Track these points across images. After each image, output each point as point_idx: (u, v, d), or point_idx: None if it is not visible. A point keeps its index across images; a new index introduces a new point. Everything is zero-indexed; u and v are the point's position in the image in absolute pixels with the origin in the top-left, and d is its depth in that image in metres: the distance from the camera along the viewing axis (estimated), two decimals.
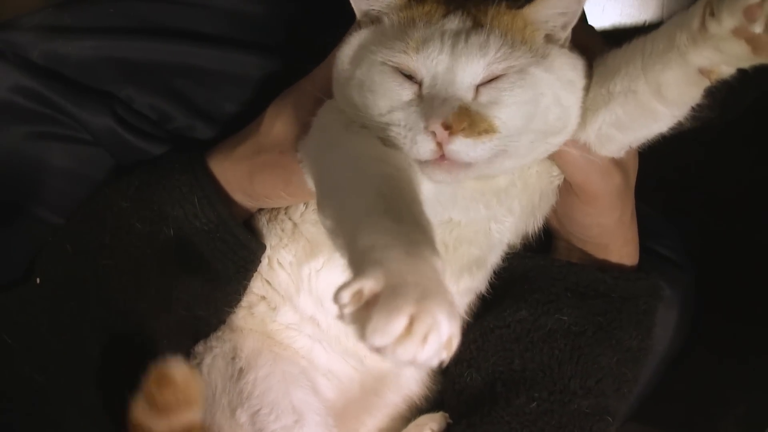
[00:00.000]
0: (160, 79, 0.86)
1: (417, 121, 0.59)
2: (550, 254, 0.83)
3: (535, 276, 0.80)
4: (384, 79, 0.63)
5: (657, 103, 0.62)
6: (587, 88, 0.66)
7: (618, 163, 0.71)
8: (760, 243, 1.01)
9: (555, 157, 0.70)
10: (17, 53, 0.83)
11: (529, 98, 0.61)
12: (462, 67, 0.60)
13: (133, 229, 0.77)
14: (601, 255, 0.79)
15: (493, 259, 0.79)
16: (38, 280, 0.80)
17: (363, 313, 0.43)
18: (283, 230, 0.81)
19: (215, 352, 0.83)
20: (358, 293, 0.43)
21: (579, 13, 0.65)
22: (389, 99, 0.62)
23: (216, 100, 0.88)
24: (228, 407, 0.79)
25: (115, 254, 0.77)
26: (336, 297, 0.43)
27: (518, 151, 0.63)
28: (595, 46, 0.68)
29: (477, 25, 0.63)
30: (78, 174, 0.85)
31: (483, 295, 0.82)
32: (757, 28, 0.51)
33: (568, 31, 0.66)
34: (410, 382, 0.88)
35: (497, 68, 0.61)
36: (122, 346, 0.79)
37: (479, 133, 0.59)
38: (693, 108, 0.63)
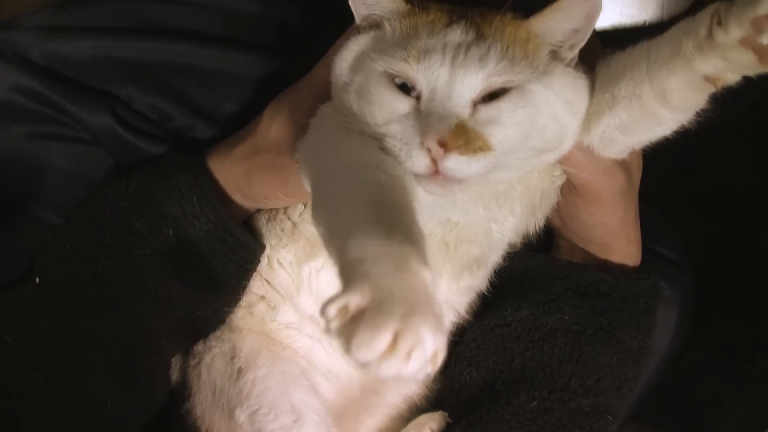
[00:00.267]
0: (159, 78, 0.86)
1: (413, 136, 0.59)
2: (551, 253, 0.83)
3: (536, 275, 0.80)
4: (382, 89, 0.63)
5: (661, 108, 0.62)
6: (588, 109, 0.66)
7: (622, 164, 0.71)
8: (760, 243, 1.01)
9: (558, 159, 0.70)
10: (17, 53, 0.83)
11: (528, 118, 0.61)
12: (460, 80, 0.60)
13: (133, 228, 0.77)
14: (603, 255, 0.79)
15: (494, 258, 0.79)
16: (37, 280, 0.80)
17: (349, 328, 0.43)
18: (282, 230, 0.81)
19: (214, 351, 0.83)
20: (344, 308, 0.43)
21: (588, 34, 0.64)
22: (387, 110, 0.62)
23: (216, 100, 0.88)
24: (227, 407, 0.79)
25: (115, 253, 0.77)
26: (323, 311, 0.44)
27: (512, 165, 0.63)
28: (593, 51, 0.68)
29: (479, 36, 0.62)
30: (78, 174, 0.85)
31: (484, 294, 0.82)
32: (765, 40, 0.51)
33: (575, 52, 0.65)
34: (410, 381, 0.88)
35: (496, 81, 0.61)
36: (122, 345, 0.79)
37: (474, 151, 0.59)
38: (697, 113, 0.63)
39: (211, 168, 0.79)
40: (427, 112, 0.60)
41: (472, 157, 0.59)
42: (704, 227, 1.08)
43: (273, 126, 0.75)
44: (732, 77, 0.57)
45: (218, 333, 0.84)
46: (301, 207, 0.80)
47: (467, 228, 0.74)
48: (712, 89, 0.59)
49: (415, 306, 0.43)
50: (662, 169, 0.77)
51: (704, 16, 0.55)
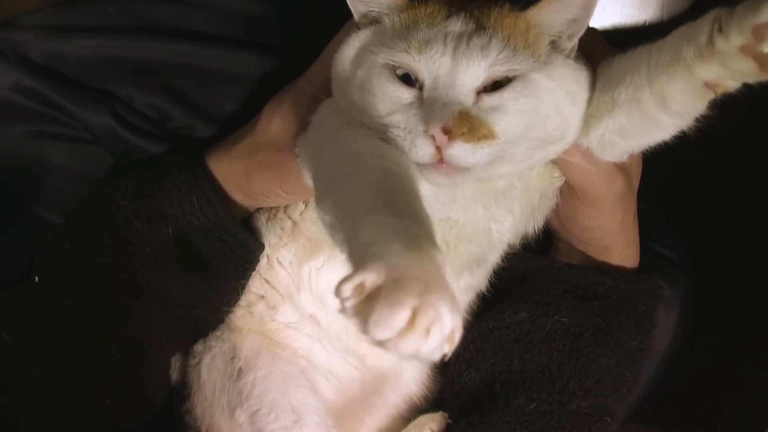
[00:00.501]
0: (160, 78, 0.86)
1: (417, 125, 0.59)
2: (550, 255, 0.83)
3: (535, 277, 0.80)
4: (384, 81, 0.62)
5: (661, 113, 0.62)
6: (590, 101, 0.66)
7: (621, 167, 0.71)
8: (760, 243, 1.01)
9: (557, 161, 0.70)
10: (17, 52, 0.83)
11: (532, 107, 0.61)
12: (463, 69, 0.60)
13: (132, 227, 0.77)
14: (602, 257, 0.79)
15: (494, 257, 0.79)
16: (37, 279, 0.80)
17: (365, 307, 0.42)
18: (282, 229, 0.81)
19: (214, 351, 0.83)
20: (360, 286, 0.43)
21: (586, 23, 0.64)
22: (390, 101, 0.62)
23: (216, 100, 0.88)
24: (227, 407, 0.80)
25: (114, 253, 0.77)
26: (337, 290, 0.43)
27: (515, 157, 0.63)
28: (600, 51, 0.68)
29: (480, 27, 0.62)
30: (78, 173, 0.85)
31: (483, 294, 0.82)
32: (766, 48, 0.51)
33: (575, 42, 0.65)
34: (410, 382, 0.88)
35: (499, 70, 0.61)
36: (121, 344, 0.79)
37: (478, 139, 0.59)
38: (696, 118, 0.63)
39: (210, 167, 0.79)
40: (431, 101, 0.60)
41: (476, 145, 0.59)
42: (704, 227, 1.08)
43: (272, 124, 0.75)
44: (732, 84, 0.57)
45: (218, 333, 0.85)
46: (301, 206, 0.80)
47: (467, 226, 0.74)
48: (712, 95, 0.59)
49: (431, 284, 0.43)
50: (662, 168, 0.77)
51: (705, 23, 0.55)
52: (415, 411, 0.88)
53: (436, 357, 0.43)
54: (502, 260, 0.80)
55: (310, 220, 0.79)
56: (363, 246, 0.47)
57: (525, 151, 0.63)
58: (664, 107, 0.61)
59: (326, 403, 0.82)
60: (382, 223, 0.49)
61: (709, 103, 0.60)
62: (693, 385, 0.99)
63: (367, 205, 0.51)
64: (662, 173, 0.80)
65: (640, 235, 0.80)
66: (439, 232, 0.74)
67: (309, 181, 0.69)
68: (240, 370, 0.80)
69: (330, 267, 0.79)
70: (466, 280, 0.78)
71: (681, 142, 0.66)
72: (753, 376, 0.95)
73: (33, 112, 0.82)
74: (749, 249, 1.03)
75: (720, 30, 0.53)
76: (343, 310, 0.43)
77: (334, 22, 0.71)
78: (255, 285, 0.83)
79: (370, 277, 0.43)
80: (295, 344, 0.84)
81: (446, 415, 0.82)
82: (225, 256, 0.78)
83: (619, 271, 0.79)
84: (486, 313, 0.81)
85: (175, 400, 0.86)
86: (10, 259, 0.83)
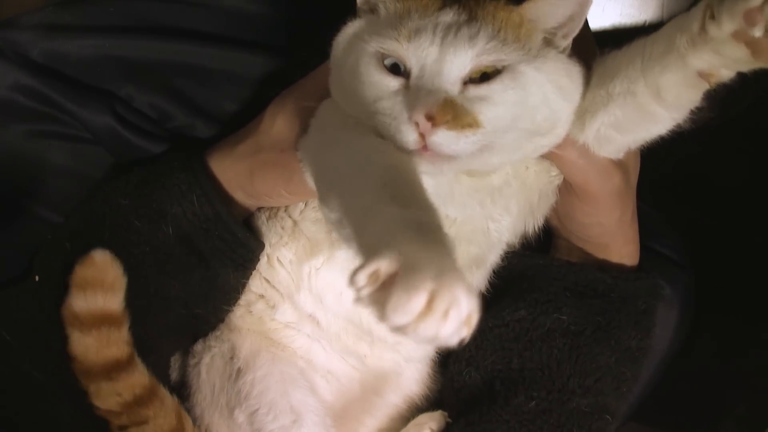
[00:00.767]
0: (160, 77, 0.86)
1: (401, 111, 0.59)
2: (549, 253, 0.83)
3: (534, 275, 0.80)
4: (372, 69, 0.63)
5: (656, 105, 0.62)
6: (582, 96, 0.66)
7: (618, 164, 0.71)
8: (759, 242, 1.01)
9: (553, 158, 0.70)
10: (17, 51, 0.83)
11: (519, 99, 0.61)
12: (450, 58, 0.60)
13: (132, 226, 0.77)
14: (601, 255, 0.79)
15: (493, 258, 0.79)
16: (37, 278, 0.80)
17: (381, 294, 0.43)
18: (283, 228, 0.81)
19: (214, 351, 0.83)
20: (375, 274, 0.43)
21: (581, 23, 0.64)
22: (377, 88, 0.62)
23: (216, 99, 0.88)
24: (226, 407, 0.80)
25: (114, 252, 0.77)
26: (352, 279, 0.43)
27: (504, 147, 0.63)
28: (589, 49, 0.68)
29: (471, 18, 0.62)
30: (78, 172, 0.85)
31: (483, 294, 0.82)
32: (757, 32, 0.51)
33: (569, 41, 0.65)
34: (410, 382, 0.88)
35: (486, 59, 0.61)
36: None
37: (462, 127, 0.59)
38: (692, 111, 0.63)
39: (211, 167, 0.79)
40: (416, 88, 0.60)
41: (460, 133, 0.58)
42: (703, 226, 1.08)
43: (275, 124, 0.75)
44: (726, 73, 0.57)
45: (218, 333, 0.84)
46: (301, 205, 0.80)
47: (465, 226, 0.74)
48: (706, 86, 0.59)
49: (445, 268, 0.43)
50: (660, 167, 0.77)
51: (697, 11, 0.55)
52: (415, 410, 0.87)
53: (455, 341, 0.43)
54: (502, 259, 0.80)
55: (311, 220, 0.79)
56: (373, 237, 0.47)
57: (513, 142, 0.63)
58: (659, 99, 0.61)
59: (325, 403, 0.82)
60: (389, 214, 0.49)
61: (705, 96, 0.60)
62: (693, 385, 0.99)
63: (373, 198, 0.51)
64: (661, 172, 0.80)
65: (640, 235, 0.80)
66: None
67: (311, 182, 0.69)
68: (239, 370, 0.80)
69: (330, 267, 0.79)
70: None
71: (680, 141, 0.66)
72: (753, 376, 0.95)
73: (33, 111, 0.83)
74: (749, 248, 1.03)
75: (712, 17, 0.53)
76: (358, 300, 0.43)
77: (336, 21, 0.71)
78: (255, 284, 0.83)
79: (385, 265, 0.43)
80: (294, 344, 0.84)
81: (446, 413, 0.82)
82: (225, 255, 0.78)
83: (619, 269, 0.79)
84: (486, 312, 0.81)
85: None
86: (10, 259, 0.83)
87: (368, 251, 0.46)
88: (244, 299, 0.84)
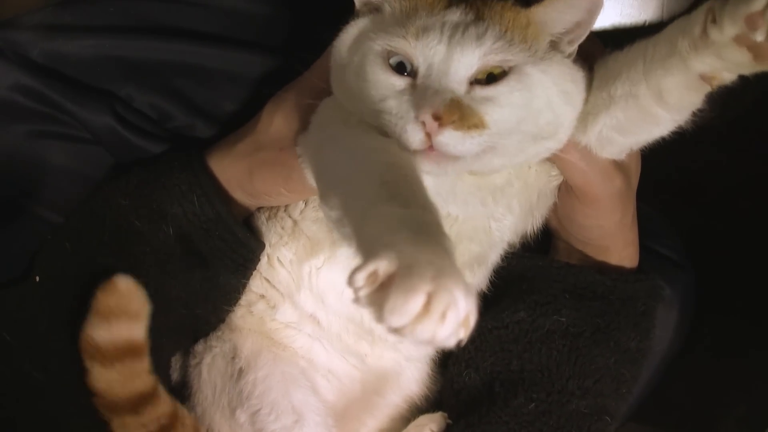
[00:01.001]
0: (160, 78, 0.86)
1: (408, 110, 0.59)
2: (549, 255, 0.83)
3: (534, 277, 0.80)
4: (378, 68, 0.63)
5: (658, 107, 0.62)
6: (585, 102, 0.66)
7: (619, 166, 0.71)
8: (760, 242, 1.01)
9: (555, 159, 0.70)
10: (17, 52, 0.83)
11: (525, 101, 0.61)
12: (457, 58, 0.60)
13: (132, 227, 0.77)
14: (601, 257, 0.79)
15: (494, 256, 0.79)
16: (37, 278, 0.80)
17: (379, 295, 0.43)
18: (283, 228, 0.81)
19: (215, 351, 0.83)
20: (373, 274, 0.43)
21: (588, 29, 0.64)
22: (382, 87, 0.62)
23: (216, 99, 0.88)
24: (228, 407, 0.80)
25: (114, 252, 0.77)
26: (350, 280, 0.43)
27: (507, 149, 0.63)
28: (596, 51, 0.68)
29: (478, 18, 0.63)
30: (78, 172, 0.85)
31: (483, 294, 0.82)
32: (759, 37, 0.51)
33: (574, 48, 0.65)
34: (411, 382, 0.88)
35: (493, 59, 0.61)
36: None
37: (468, 128, 0.59)
38: (694, 113, 0.63)
39: (211, 166, 0.79)
40: (423, 88, 0.60)
41: (466, 134, 0.59)
42: (703, 227, 1.08)
43: (274, 122, 0.75)
44: (727, 76, 0.57)
45: (219, 333, 0.84)
46: (301, 205, 0.80)
47: (467, 224, 0.74)
48: (708, 89, 0.59)
49: (443, 269, 0.43)
50: (661, 168, 0.77)
51: (699, 14, 0.55)
52: (416, 411, 0.88)
53: (452, 342, 0.43)
54: (502, 260, 0.80)
55: (311, 219, 0.79)
56: (372, 237, 0.47)
57: (516, 145, 0.63)
58: (660, 102, 0.61)
59: (327, 403, 0.82)
60: (388, 213, 0.49)
61: (710, 101, 0.60)
62: (693, 385, 0.99)
63: (372, 197, 0.51)
64: (661, 173, 0.80)
65: (640, 235, 0.80)
66: None
67: (311, 180, 0.69)
68: (240, 370, 0.80)
69: (330, 267, 0.79)
70: (467, 280, 0.78)
71: (680, 141, 0.66)
72: (753, 376, 0.95)
73: (33, 111, 0.82)
74: (749, 248, 1.03)
75: (713, 21, 0.53)
76: (356, 300, 0.43)
77: (335, 21, 0.71)
78: (255, 284, 0.83)
79: (383, 265, 0.43)
80: (295, 344, 0.84)
81: (446, 415, 0.82)
82: (226, 255, 0.78)
83: (619, 270, 0.79)
84: (485, 313, 0.81)
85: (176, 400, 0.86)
86: (10, 259, 0.83)
87: (367, 251, 0.47)
88: (244, 299, 0.84)
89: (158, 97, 0.87)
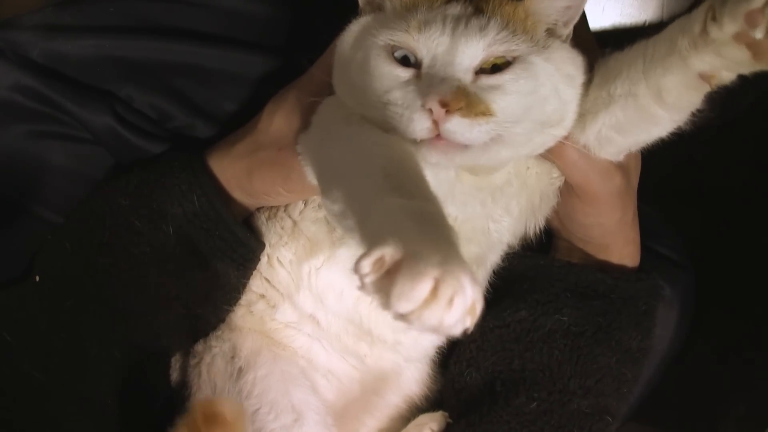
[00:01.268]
0: (160, 78, 0.86)
1: (414, 99, 0.59)
2: (550, 254, 0.83)
3: (535, 276, 0.80)
4: (382, 61, 0.63)
5: (657, 107, 0.62)
6: (586, 85, 0.66)
7: (618, 164, 0.71)
8: (760, 242, 1.01)
9: (555, 158, 0.70)
10: (17, 52, 0.83)
11: (531, 89, 0.61)
12: (462, 48, 0.60)
13: (132, 227, 0.77)
14: (602, 255, 0.79)
15: (493, 257, 0.79)
16: (37, 278, 0.80)
17: (385, 282, 0.42)
18: (282, 228, 0.81)
19: (214, 351, 0.83)
20: (379, 261, 0.43)
21: (581, 10, 0.65)
22: (387, 79, 0.62)
23: (216, 99, 0.88)
24: None
25: (114, 252, 0.77)
26: (356, 267, 0.43)
27: (515, 139, 0.62)
28: (589, 45, 0.68)
29: (478, 11, 0.63)
30: (78, 173, 0.85)
31: (483, 294, 0.82)
32: (758, 34, 0.51)
33: (570, 29, 0.66)
34: (411, 382, 0.88)
35: (497, 50, 0.61)
36: (121, 343, 0.79)
37: (476, 115, 0.58)
38: (693, 113, 0.63)
39: (211, 166, 0.79)
40: (429, 77, 0.60)
41: (474, 121, 0.58)
42: (704, 226, 1.08)
43: (274, 122, 0.75)
44: (727, 75, 0.57)
45: (218, 332, 0.84)
46: (301, 205, 0.80)
47: (466, 225, 0.74)
48: (707, 88, 0.59)
49: (449, 256, 0.43)
50: (661, 168, 0.77)
51: (699, 13, 0.55)
52: (416, 411, 0.88)
53: (459, 330, 0.43)
54: (502, 260, 0.80)
55: (310, 220, 0.79)
56: (376, 227, 0.47)
57: (524, 134, 0.63)
58: (660, 101, 0.61)
59: (326, 402, 0.82)
60: (392, 205, 0.49)
61: (710, 101, 0.60)
62: (693, 385, 0.99)
63: (376, 189, 0.51)
64: (662, 173, 0.80)
65: (640, 235, 0.80)
66: None
67: (311, 179, 0.69)
68: (240, 370, 0.80)
69: (330, 267, 0.79)
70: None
71: (680, 141, 0.66)
72: (753, 376, 0.95)
73: (33, 111, 0.82)
74: (749, 248, 1.03)
75: (713, 18, 0.54)
76: (362, 287, 0.43)
77: (335, 21, 0.71)
78: (255, 284, 0.83)
79: (389, 252, 0.43)
80: (295, 344, 0.84)
81: (446, 414, 0.82)
82: (226, 255, 0.78)
83: (620, 269, 0.79)
84: (486, 312, 0.81)
85: (176, 399, 0.86)
86: (10, 259, 0.83)
87: (372, 240, 0.46)
88: (245, 299, 0.84)
89: (158, 97, 0.87)
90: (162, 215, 0.76)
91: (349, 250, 0.74)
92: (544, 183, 0.74)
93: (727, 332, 0.99)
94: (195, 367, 0.83)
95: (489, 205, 0.72)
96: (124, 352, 0.79)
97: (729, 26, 0.52)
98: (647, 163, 0.75)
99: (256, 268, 0.82)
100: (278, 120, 0.75)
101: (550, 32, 0.66)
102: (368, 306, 0.77)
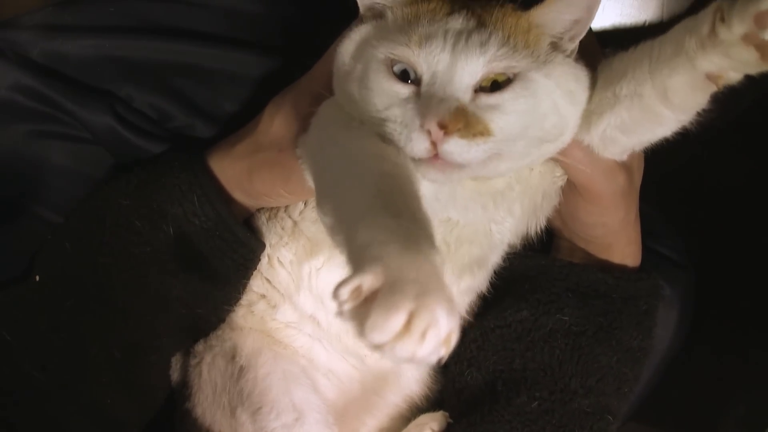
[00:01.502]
0: (159, 78, 0.86)
1: (413, 119, 0.59)
2: (551, 253, 0.83)
3: (536, 275, 0.80)
4: (381, 76, 0.62)
5: (663, 107, 0.62)
6: (590, 99, 0.66)
7: (622, 163, 0.71)
8: (760, 243, 1.02)
9: (558, 158, 0.70)
10: (17, 52, 0.83)
11: (530, 107, 0.61)
12: (461, 66, 0.60)
13: (133, 227, 0.77)
14: (603, 255, 0.79)
15: (495, 258, 0.79)
16: (38, 278, 0.80)
17: (362, 310, 0.42)
18: (283, 228, 0.81)
19: (215, 351, 0.83)
20: (357, 289, 0.43)
21: (588, 25, 0.64)
22: (387, 95, 0.62)
23: (216, 99, 0.88)
24: (228, 406, 0.79)
25: (115, 252, 0.77)
26: (335, 293, 0.43)
27: (513, 155, 0.63)
28: (591, 47, 0.68)
29: (480, 25, 0.62)
30: (78, 172, 0.85)
31: (484, 295, 0.82)
32: (767, 35, 0.51)
33: (576, 44, 0.65)
34: (411, 381, 0.88)
35: (498, 66, 0.60)
36: (122, 343, 0.79)
37: (474, 135, 0.58)
38: (698, 113, 0.63)
39: (211, 166, 0.79)
40: (428, 96, 0.60)
41: (472, 141, 0.58)
42: (704, 227, 1.08)
43: (274, 123, 0.75)
44: (734, 76, 0.57)
45: (219, 332, 0.84)
46: (301, 205, 0.80)
47: (467, 228, 0.74)
48: (713, 88, 0.59)
49: (428, 287, 0.43)
50: (662, 168, 0.77)
51: (707, 14, 0.55)
52: (416, 410, 0.87)
53: (432, 360, 0.43)
54: (503, 260, 0.80)
55: (310, 220, 0.79)
56: (361, 248, 0.47)
57: (522, 149, 0.63)
58: (665, 101, 0.61)
59: (327, 401, 0.82)
60: (379, 224, 0.48)
61: (711, 99, 0.60)
62: (693, 385, 0.99)
63: (365, 207, 0.51)
64: (663, 173, 0.80)
65: (641, 235, 0.80)
66: (440, 233, 0.74)
67: (311, 182, 0.69)
68: (241, 369, 0.80)
69: (330, 267, 0.79)
70: (467, 282, 0.78)
71: (682, 141, 0.66)
72: (753, 377, 0.95)
73: (33, 111, 0.82)
74: (749, 249, 1.03)
75: (722, 19, 0.53)
76: (340, 314, 0.43)
77: (335, 21, 0.71)
78: (256, 284, 0.83)
79: (368, 280, 0.43)
80: (295, 343, 0.84)
81: (447, 414, 0.82)
82: (226, 255, 0.78)
83: (621, 269, 0.79)
84: (487, 312, 0.81)
85: (176, 399, 0.86)
86: (10, 259, 0.83)
87: (355, 262, 0.47)
88: (246, 299, 0.84)
89: (158, 97, 0.87)
90: (162, 215, 0.76)
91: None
92: (547, 182, 0.74)
93: (727, 332, 0.99)
94: (195, 366, 0.83)
95: (491, 209, 0.72)
96: (124, 351, 0.78)
97: (738, 27, 0.52)
98: (649, 163, 0.76)
99: (256, 269, 0.82)
100: (279, 121, 0.75)
101: (554, 45, 0.65)
102: None
